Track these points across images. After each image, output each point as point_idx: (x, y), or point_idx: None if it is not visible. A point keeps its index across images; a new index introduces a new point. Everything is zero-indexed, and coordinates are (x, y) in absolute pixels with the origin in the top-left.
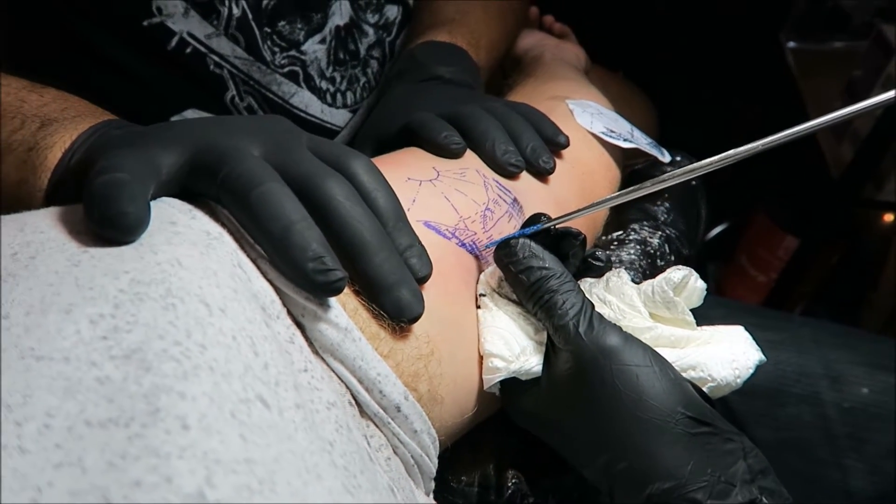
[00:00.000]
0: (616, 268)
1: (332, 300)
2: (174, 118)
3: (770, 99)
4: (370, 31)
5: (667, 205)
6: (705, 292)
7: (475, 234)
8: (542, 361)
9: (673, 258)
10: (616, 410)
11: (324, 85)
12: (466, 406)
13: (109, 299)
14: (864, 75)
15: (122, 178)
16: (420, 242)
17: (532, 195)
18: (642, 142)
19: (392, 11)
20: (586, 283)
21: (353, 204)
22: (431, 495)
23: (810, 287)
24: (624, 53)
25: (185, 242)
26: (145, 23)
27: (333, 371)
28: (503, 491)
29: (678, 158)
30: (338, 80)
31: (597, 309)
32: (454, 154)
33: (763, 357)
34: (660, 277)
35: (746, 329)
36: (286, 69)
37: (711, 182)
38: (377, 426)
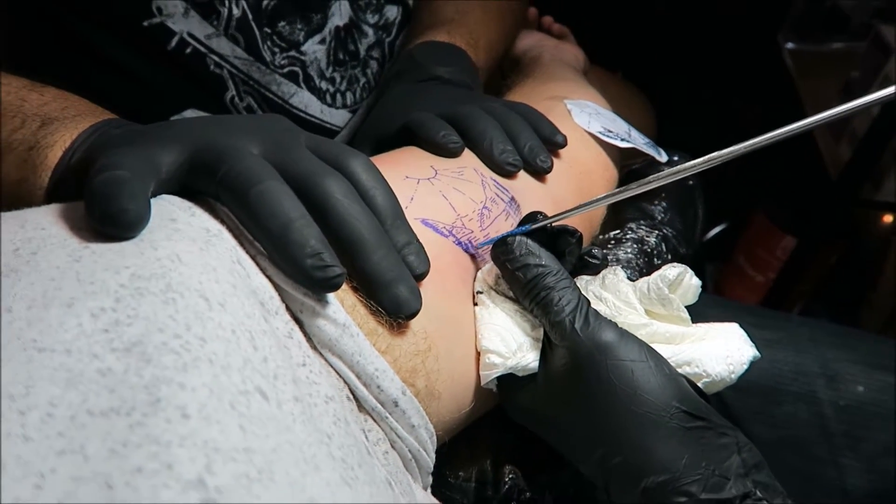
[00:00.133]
0: (613, 266)
1: (331, 296)
2: (174, 118)
3: (769, 99)
4: (370, 31)
5: (664, 204)
6: (700, 289)
7: (472, 231)
8: (538, 358)
9: (670, 257)
10: (611, 405)
11: (323, 85)
12: (463, 402)
13: (110, 293)
14: (863, 76)
15: (123, 175)
16: (418, 240)
17: (529, 194)
18: (640, 141)
19: (392, 12)
20: (582, 281)
21: (352, 202)
22: (429, 490)
23: (809, 287)
24: (623, 54)
25: (185, 239)
26: (145, 23)
27: (331, 366)
28: (500, 486)
29: (675, 158)
30: (337, 80)
31: (593, 306)
32: (452, 153)
33: (757, 353)
34: (655, 274)
35: (744, 328)
36: (286, 69)
37: (710, 183)
38: (375, 421)
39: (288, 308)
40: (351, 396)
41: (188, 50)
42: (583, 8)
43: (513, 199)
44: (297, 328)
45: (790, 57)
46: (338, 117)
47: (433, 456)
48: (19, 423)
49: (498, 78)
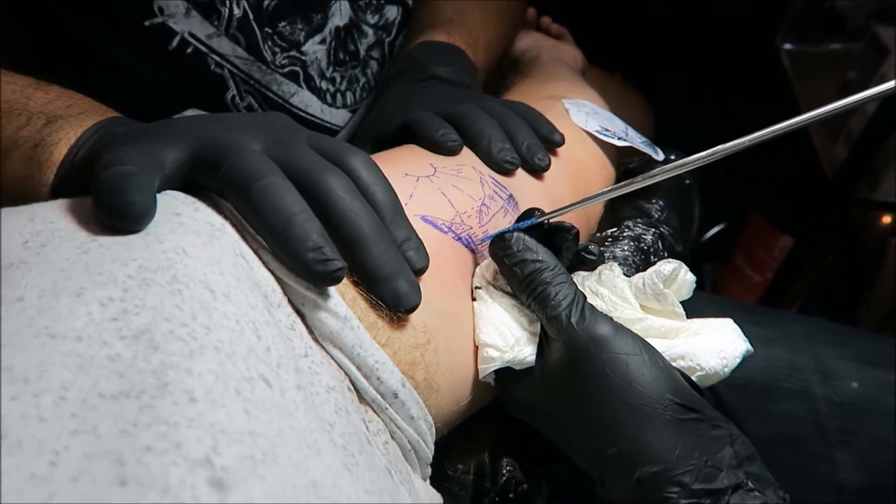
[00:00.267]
0: (609, 262)
1: (332, 290)
2: (175, 117)
3: (767, 100)
4: (370, 31)
5: (661, 202)
6: (695, 285)
7: (471, 228)
8: (535, 352)
9: (666, 254)
10: (606, 398)
11: (324, 85)
12: (462, 394)
13: (118, 284)
14: (860, 77)
15: (130, 170)
16: (417, 235)
17: (527, 191)
18: (636, 140)
19: (391, 12)
20: (579, 276)
21: (352, 198)
22: (428, 481)
23: (806, 286)
24: (622, 54)
25: (190, 232)
26: (147, 23)
27: (332, 358)
28: (498, 478)
29: (672, 157)
30: (338, 80)
31: (589, 301)
32: (451, 151)
33: (750, 347)
34: (650, 270)
35: (739, 325)
36: (286, 69)
37: (708, 183)
38: (375, 412)
39: (290, 301)
40: (352, 387)
41: (189, 50)
42: (581, 8)
43: (511, 196)
44: (299, 320)
45: (788, 58)
46: (338, 117)
47: (432, 448)
48: (34, 405)
49: (497, 78)
